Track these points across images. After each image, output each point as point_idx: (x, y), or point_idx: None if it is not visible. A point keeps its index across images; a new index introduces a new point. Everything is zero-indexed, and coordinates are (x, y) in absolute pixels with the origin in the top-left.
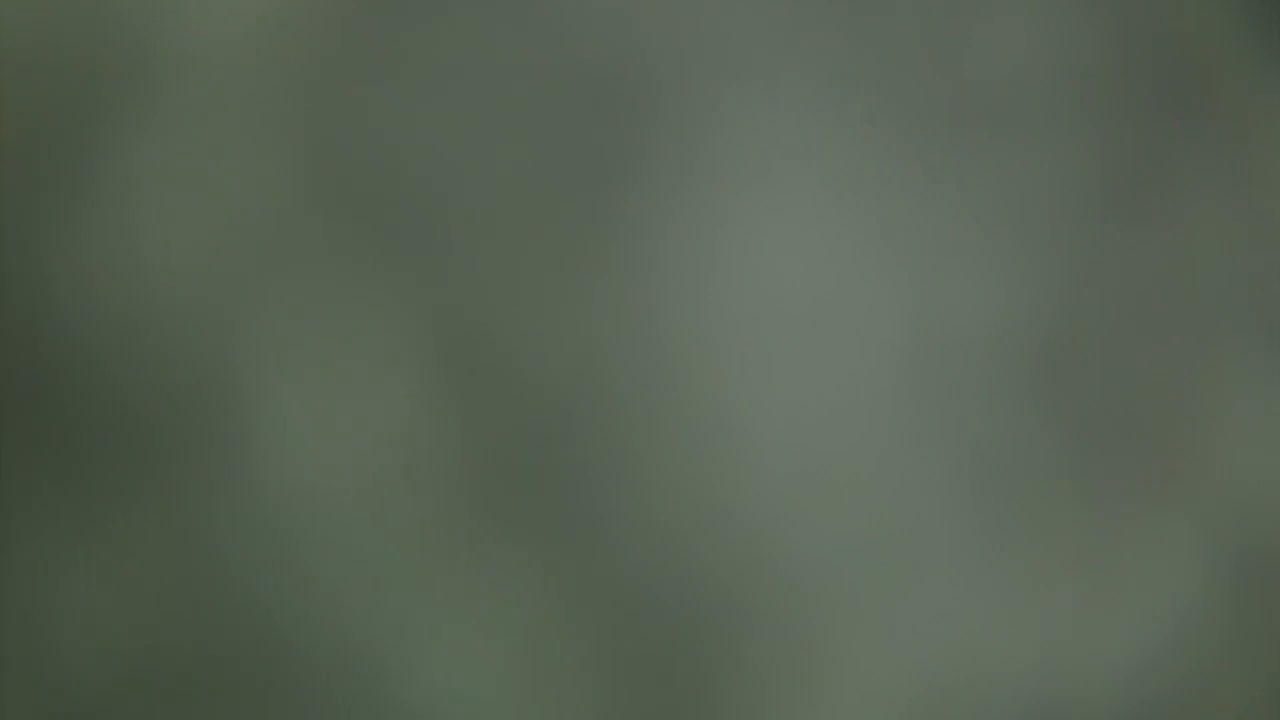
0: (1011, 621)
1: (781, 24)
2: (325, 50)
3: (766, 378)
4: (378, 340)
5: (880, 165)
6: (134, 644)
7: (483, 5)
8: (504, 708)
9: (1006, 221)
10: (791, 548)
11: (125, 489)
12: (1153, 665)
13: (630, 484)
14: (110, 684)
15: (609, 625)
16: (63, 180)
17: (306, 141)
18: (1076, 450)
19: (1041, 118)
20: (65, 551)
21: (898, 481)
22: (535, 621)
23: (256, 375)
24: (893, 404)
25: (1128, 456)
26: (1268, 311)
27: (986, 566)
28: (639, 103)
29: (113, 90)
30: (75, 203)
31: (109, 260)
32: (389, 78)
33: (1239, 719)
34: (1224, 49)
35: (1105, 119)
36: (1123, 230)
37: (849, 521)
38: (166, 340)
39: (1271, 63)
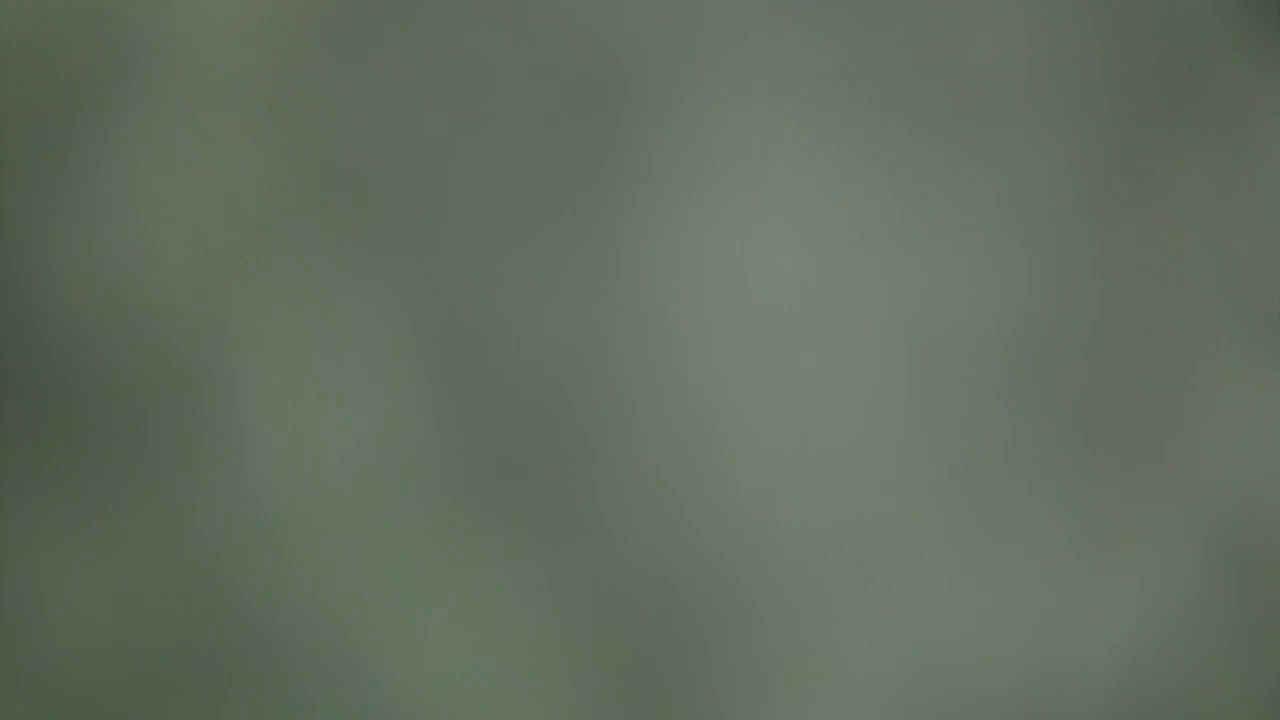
0: (1006, 617)
1: (774, 21)
2: (316, 45)
3: (757, 370)
4: (367, 333)
5: (873, 160)
6: (122, 635)
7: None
8: (492, 699)
9: (1001, 216)
10: (782, 541)
11: (114, 480)
12: (1148, 662)
13: (619, 477)
14: (98, 674)
15: (598, 617)
16: (54, 174)
17: (297, 136)
18: (1071, 446)
19: (1037, 113)
20: (55, 542)
21: (892, 476)
22: (524, 613)
23: (245, 367)
24: (886, 399)
25: (1122, 452)
26: (1262, 307)
27: (980, 562)
28: (630, 98)
29: (105, 85)
30: (66, 196)
31: (98, 253)
32: (381, 72)
33: (1236, 717)
34: (1220, 46)
35: (1100, 114)
36: (1118, 225)
37: (841, 515)
38: (155, 332)
39: (1268, 59)
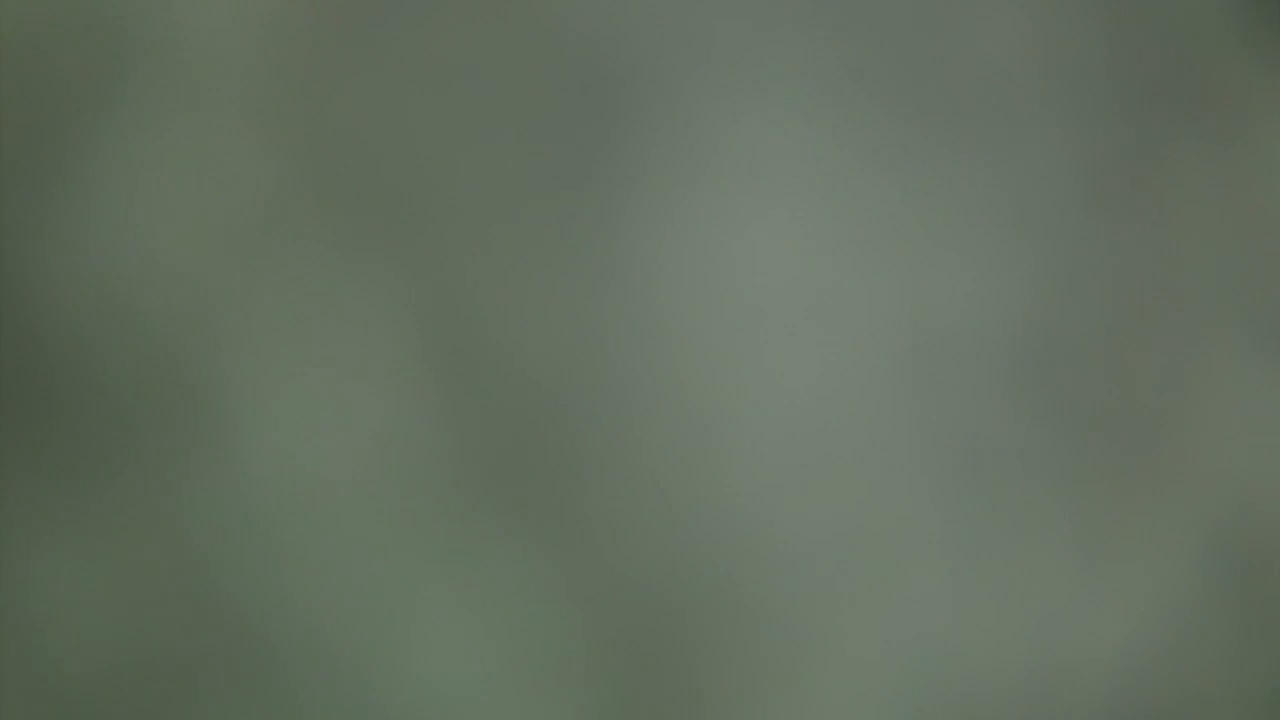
0: (1006, 618)
1: (774, 19)
2: (315, 42)
3: (758, 369)
4: (366, 331)
5: (874, 159)
6: (119, 634)
7: None
8: (491, 699)
9: (1003, 215)
10: (783, 539)
11: (112, 479)
12: (1148, 662)
13: (619, 475)
14: (94, 674)
15: (597, 616)
16: (54, 174)
17: (298, 135)
18: (1072, 445)
19: (1039, 112)
20: (51, 542)
21: (892, 475)
22: (523, 612)
23: (244, 367)
24: (888, 398)
25: (1121, 452)
26: (1262, 307)
27: (981, 562)
28: (630, 97)
29: (102, 82)
30: (65, 196)
31: (96, 250)
32: (381, 71)
33: (1236, 717)
34: (1220, 45)
35: (1102, 112)
36: (1116, 225)
37: (842, 513)
38: (154, 331)
39: (1268, 59)
